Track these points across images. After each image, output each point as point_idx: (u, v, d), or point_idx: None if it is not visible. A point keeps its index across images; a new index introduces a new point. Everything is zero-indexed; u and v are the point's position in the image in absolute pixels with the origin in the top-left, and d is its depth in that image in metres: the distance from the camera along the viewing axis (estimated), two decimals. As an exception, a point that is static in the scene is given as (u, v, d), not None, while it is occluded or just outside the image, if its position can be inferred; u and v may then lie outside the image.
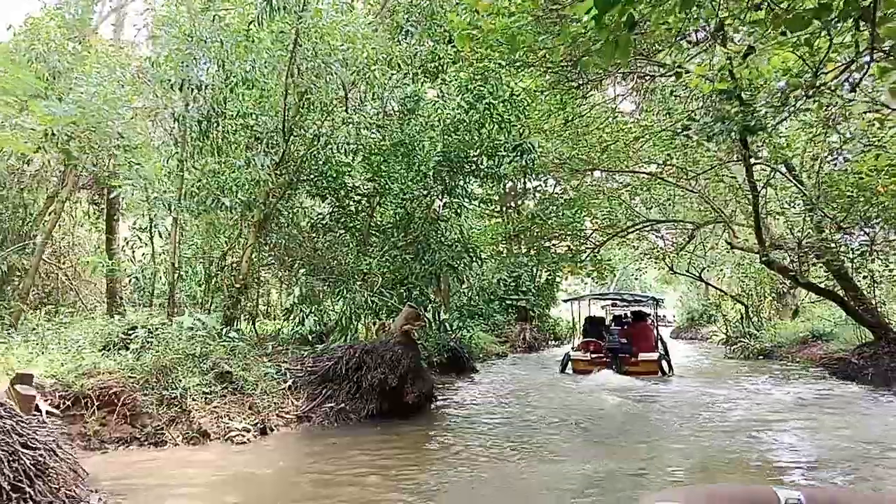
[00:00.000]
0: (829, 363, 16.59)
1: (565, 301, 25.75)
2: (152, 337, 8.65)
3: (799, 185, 12.87)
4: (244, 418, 8.11)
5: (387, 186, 12.77)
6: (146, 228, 11.42)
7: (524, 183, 13.82)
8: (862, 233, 12.59)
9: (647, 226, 22.50)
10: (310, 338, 10.38)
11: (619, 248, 28.85)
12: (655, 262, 27.58)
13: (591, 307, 25.12)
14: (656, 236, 25.97)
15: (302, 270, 12.02)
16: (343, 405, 9.02)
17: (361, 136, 12.11)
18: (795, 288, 27.61)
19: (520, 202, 31.42)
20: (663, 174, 19.44)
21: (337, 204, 13.42)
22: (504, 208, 30.97)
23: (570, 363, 17.51)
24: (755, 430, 9.27)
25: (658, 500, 0.96)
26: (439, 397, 11.34)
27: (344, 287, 10.46)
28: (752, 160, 13.39)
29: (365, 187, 13.42)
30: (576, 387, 14.40)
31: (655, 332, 18.16)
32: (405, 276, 11.41)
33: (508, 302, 29.60)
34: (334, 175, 12.32)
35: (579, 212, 26.73)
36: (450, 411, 10.37)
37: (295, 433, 8.50)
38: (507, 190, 31.80)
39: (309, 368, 9.42)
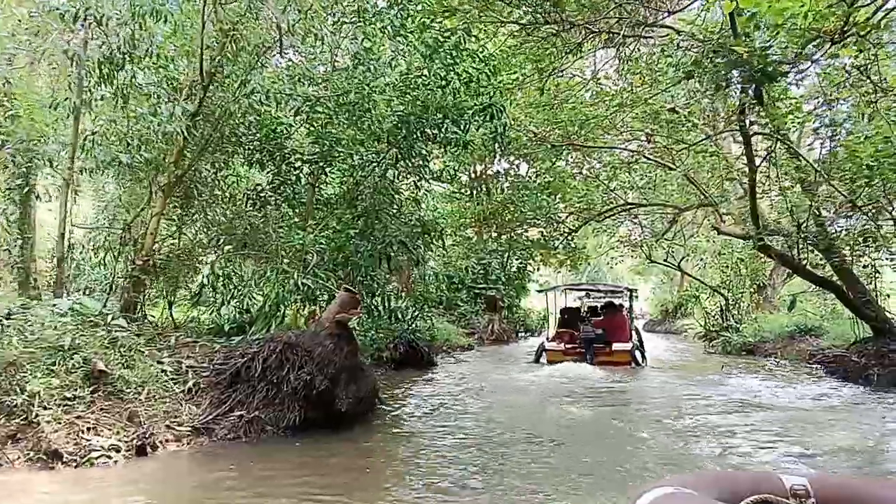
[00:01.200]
0: (825, 361, 15.13)
1: (539, 291, 24.79)
2: (4, 325, 6.65)
3: (806, 159, 11.27)
4: (117, 432, 6.17)
5: (333, 151, 10.87)
6: (21, 189, 9.34)
7: (494, 153, 12.18)
8: (886, 211, 11.00)
9: (624, 210, 20.87)
10: (226, 328, 8.46)
11: (595, 236, 27.31)
12: (632, 251, 26.06)
13: (566, 298, 24.33)
14: (633, 223, 24.40)
15: (228, 247, 10.06)
16: (257, 413, 7.12)
17: (299, 88, 10.17)
18: (776, 280, 26.38)
19: (491, 185, 29.64)
20: (645, 152, 17.81)
21: (276, 172, 11.48)
22: (474, 192, 29.17)
23: (544, 354, 16.96)
24: (761, 445, 7.62)
25: (657, 487, 0.84)
26: (388, 400, 9.51)
27: (268, 266, 8.54)
28: (755, 129, 11.75)
29: (308, 152, 11.47)
30: (545, 386, 12.67)
31: (630, 322, 17.80)
32: (349, 256, 9.52)
33: (476, 291, 27.93)
34: (267, 135, 10.37)
35: (553, 195, 25.11)
36: (396, 420, 8.51)
37: (188, 450, 6.57)
38: (479, 173, 30.03)
39: (217, 366, 7.50)
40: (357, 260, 9.32)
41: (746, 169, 14.95)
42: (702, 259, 24.73)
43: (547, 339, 18.15)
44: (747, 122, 11.84)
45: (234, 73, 9.54)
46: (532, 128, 18.00)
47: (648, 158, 17.45)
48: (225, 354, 7.69)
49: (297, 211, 11.64)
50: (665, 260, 24.68)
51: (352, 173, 10.83)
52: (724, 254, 24.37)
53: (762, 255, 25.76)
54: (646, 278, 53.93)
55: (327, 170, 11.34)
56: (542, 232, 26.60)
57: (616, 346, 16.04)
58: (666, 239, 23.96)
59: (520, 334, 31.91)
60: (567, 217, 21.76)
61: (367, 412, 8.13)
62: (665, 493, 0.83)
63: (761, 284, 26.20)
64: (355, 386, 7.58)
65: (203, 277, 8.02)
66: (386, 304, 9.78)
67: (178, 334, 8.43)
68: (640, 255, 29.70)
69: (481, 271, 27.24)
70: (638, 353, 16.48)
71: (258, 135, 10.64)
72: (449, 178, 14.18)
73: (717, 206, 17.46)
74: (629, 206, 19.83)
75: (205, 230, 11.12)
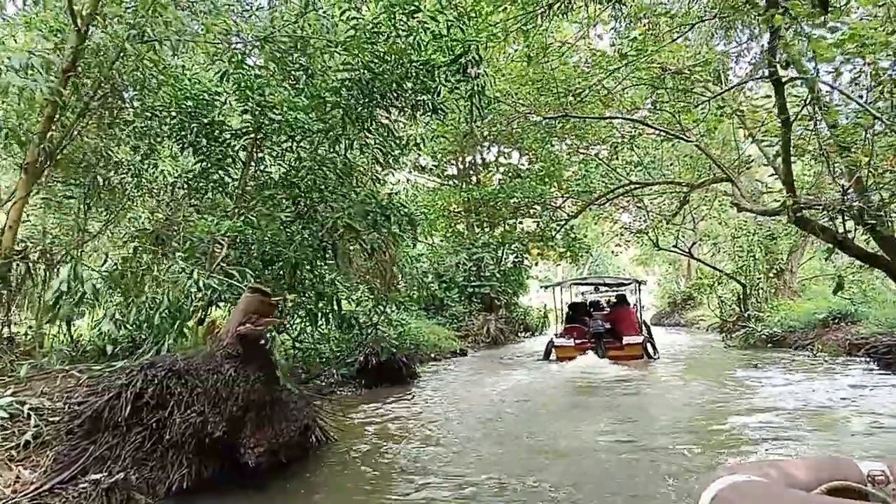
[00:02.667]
0: (877, 352, 12.89)
1: (545, 288, 24.06)
2: None
3: (862, 104, 9.00)
4: None
5: (268, 120, 8.65)
6: None
7: (472, 118, 10.06)
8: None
9: (627, 192, 18.59)
10: (108, 349, 6.24)
11: (596, 223, 25.02)
12: (637, 238, 23.78)
13: (571, 293, 23.62)
14: (638, 207, 22.10)
15: (134, 244, 7.81)
16: (125, 474, 4.88)
17: (210, 31, 7.95)
18: (794, 264, 24.15)
19: (481, 175, 27.41)
20: (649, 122, 15.55)
21: (205, 152, 9.25)
22: (463, 182, 26.85)
23: (553, 350, 16.65)
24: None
25: (728, 475, 0.85)
26: (341, 435, 7.23)
27: (158, 262, 6.30)
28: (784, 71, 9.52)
29: (238, 124, 9.26)
30: (550, 398, 10.44)
31: (639, 315, 17.63)
32: (283, 247, 7.26)
33: (470, 289, 25.58)
34: (179, 103, 8.15)
35: (548, 182, 22.89)
36: (338, 468, 6.18)
37: (0, 545, 4.32)
38: (467, 164, 27.82)
39: (73, 407, 5.24)
40: (290, 251, 7.05)
41: (761, 133, 12.77)
42: (714, 244, 22.38)
43: (556, 335, 17.43)
44: (779, 66, 9.62)
45: (120, 15, 7.30)
46: (521, 102, 15.80)
47: (654, 128, 15.18)
48: (89, 389, 5.43)
49: (231, 197, 9.42)
50: (674, 246, 22.38)
51: (292, 147, 8.60)
52: (739, 237, 22.10)
53: (779, 238, 23.61)
54: (649, 269, 51.84)
55: (265, 144, 9.12)
56: (537, 223, 24.38)
57: (627, 339, 15.68)
58: (674, 224, 21.69)
59: (521, 334, 29.64)
60: (564, 202, 19.50)
61: (299, 460, 5.86)
62: (736, 481, 0.82)
63: (779, 269, 23.98)
64: (272, 429, 5.31)
65: (60, 283, 5.78)
66: (336, 309, 7.52)
67: (39, 361, 6.17)
68: (645, 243, 27.57)
69: (473, 268, 24.99)
70: (649, 346, 16.20)
71: (173, 104, 8.45)
72: (420, 149, 11.83)
73: (735, 181, 15.20)
74: (633, 186, 17.56)
75: (113, 225, 8.89)
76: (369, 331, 8.28)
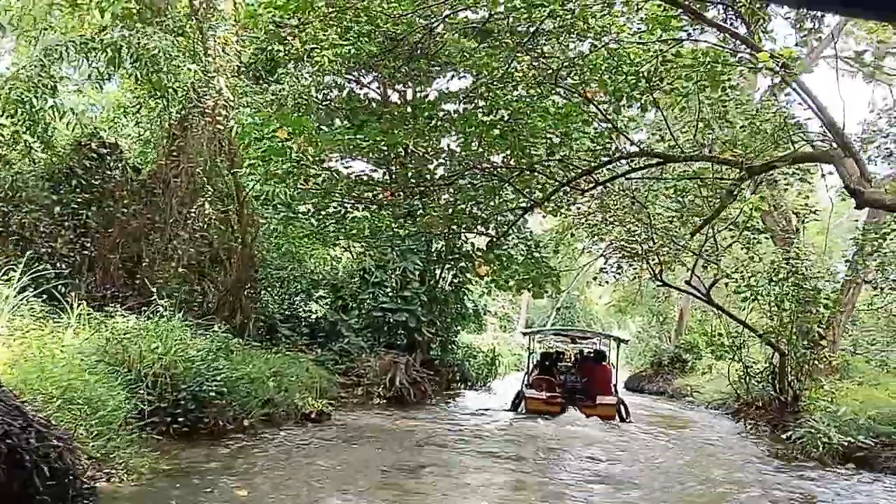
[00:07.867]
0: None
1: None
2: None
3: None
4: None
5: None
6: None
7: None
8: None
9: (630, 173, 11.03)
10: None
11: (572, 236, 17.37)
12: (630, 266, 16.21)
13: (533, 339, 21.81)
14: (637, 220, 14.38)
15: None
16: None
17: None
18: (836, 331, 16.62)
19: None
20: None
21: None
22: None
23: (523, 402, 15.86)
24: None
25: None
26: None
27: None
28: None
29: None
30: None
31: (615, 375, 17.26)
32: None
33: (378, 314, 17.48)
34: None
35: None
36: None
37: None
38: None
39: None
40: None
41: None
42: (749, 286, 14.65)
43: (526, 385, 16.78)
44: None
45: None
46: None
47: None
48: None
49: None
50: (687, 282, 14.90)
51: None
52: (785, 280, 14.50)
53: (825, 290, 16.22)
54: (622, 320, 44.42)
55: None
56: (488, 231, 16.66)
57: (600, 399, 15.38)
58: (689, 249, 14.20)
59: (455, 385, 21.55)
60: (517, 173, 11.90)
61: None
62: None
63: (815, 337, 16.23)
64: None
65: None
66: None
67: None
68: (631, 280, 20.31)
69: (387, 280, 17.09)
70: (622, 409, 15.65)
71: None
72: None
73: (856, 155, 7.72)
74: (652, 160, 9.95)
75: None
76: None
